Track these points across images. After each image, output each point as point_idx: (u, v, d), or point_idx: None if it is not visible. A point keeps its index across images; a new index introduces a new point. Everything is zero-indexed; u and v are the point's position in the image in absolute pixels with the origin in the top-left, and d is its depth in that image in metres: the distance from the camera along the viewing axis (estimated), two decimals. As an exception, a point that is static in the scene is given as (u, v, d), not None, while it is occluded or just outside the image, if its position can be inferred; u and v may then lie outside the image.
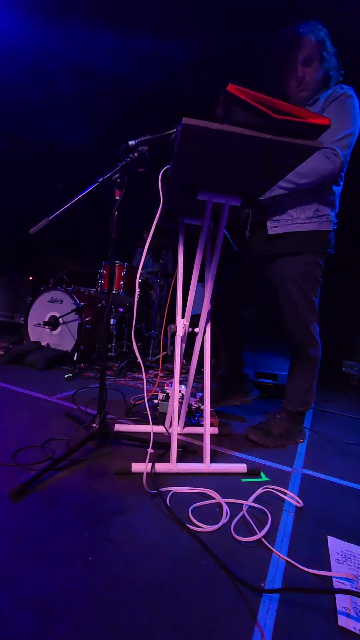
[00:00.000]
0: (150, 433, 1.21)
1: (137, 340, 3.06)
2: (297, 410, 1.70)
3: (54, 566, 0.78)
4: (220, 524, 1.00)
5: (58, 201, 3.13)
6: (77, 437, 1.42)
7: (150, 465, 1.20)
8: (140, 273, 3.02)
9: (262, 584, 0.81)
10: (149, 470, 1.19)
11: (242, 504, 1.11)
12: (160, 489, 1.13)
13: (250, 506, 1.11)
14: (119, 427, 1.60)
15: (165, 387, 1.98)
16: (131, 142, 1.39)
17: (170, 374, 2.89)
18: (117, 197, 1.39)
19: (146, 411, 1.85)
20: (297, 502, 1.17)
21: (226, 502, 1.10)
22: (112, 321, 2.94)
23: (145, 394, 1.19)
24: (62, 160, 4.49)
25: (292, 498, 1.19)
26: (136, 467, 1.22)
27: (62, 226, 1.72)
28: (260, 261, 1.71)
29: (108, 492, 1.10)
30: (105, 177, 1.38)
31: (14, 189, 4.93)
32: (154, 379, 2.71)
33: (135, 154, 1.37)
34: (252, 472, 1.33)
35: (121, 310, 3.16)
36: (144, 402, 2.00)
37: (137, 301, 2.92)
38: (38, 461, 1.23)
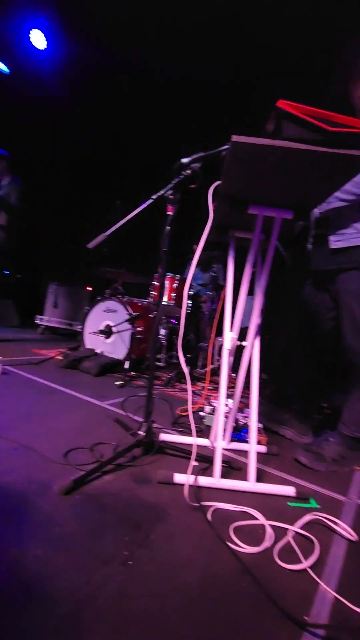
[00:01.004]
0: (199, 446, 1.21)
1: (186, 352, 3.10)
2: (353, 435, 1.58)
3: (93, 566, 0.81)
4: (263, 546, 0.96)
5: (116, 217, 3.30)
6: (124, 443, 1.47)
7: (193, 477, 1.20)
8: (192, 285, 3.07)
9: (306, 617, 0.76)
10: (191, 483, 1.19)
11: (288, 529, 1.05)
12: (202, 503, 1.12)
13: (296, 532, 1.05)
14: (164, 437, 1.62)
15: (213, 400, 1.97)
16: (184, 160, 1.44)
17: (218, 386, 2.87)
18: (170, 213, 1.45)
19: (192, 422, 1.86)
20: (350, 535, 1.08)
21: (270, 525, 1.05)
22: (162, 332, 3.02)
23: (189, 406, 1.20)
24: (120, 178, 4.77)
25: (344, 530, 1.10)
26: (179, 478, 1.22)
27: (118, 239, 1.81)
28: (320, 276, 1.66)
29: (150, 500, 1.11)
30: (159, 194, 1.45)
31: (76, 207, 5.35)
32: (202, 391, 2.71)
33: (188, 171, 1.42)
34: (301, 496, 1.26)
35: (172, 321, 3.23)
36: (190, 413, 2.02)
37: (188, 313, 2.97)
38: (87, 462, 1.30)
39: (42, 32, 4.32)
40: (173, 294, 2.90)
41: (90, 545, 0.88)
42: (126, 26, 3.84)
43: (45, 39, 4.36)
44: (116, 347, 2.98)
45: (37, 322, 4.69)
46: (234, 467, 1.43)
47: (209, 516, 1.06)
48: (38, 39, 4.36)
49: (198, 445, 1.58)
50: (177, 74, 3.99)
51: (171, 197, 1.44)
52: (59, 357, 3.08)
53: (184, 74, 3.95)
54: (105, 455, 1.38)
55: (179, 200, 1.46)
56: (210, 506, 1.11)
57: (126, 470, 1.29)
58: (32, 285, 5.64)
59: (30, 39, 4.34)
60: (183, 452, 1.45)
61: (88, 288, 4.50)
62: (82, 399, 2.08)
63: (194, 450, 1.18)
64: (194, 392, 2.64)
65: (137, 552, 0.87)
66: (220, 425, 1.32)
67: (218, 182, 1.21)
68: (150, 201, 1.43)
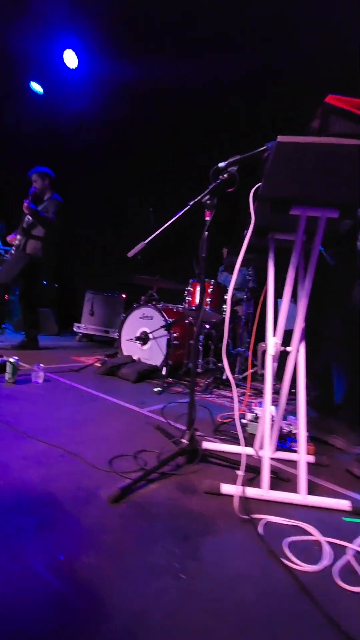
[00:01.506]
0: (238, 454, 1.18)
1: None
2: None
3: (145, 578, 0.80)
4: (321, 565, 0.90)
5: (150, 225, 3.36)
6: (167, 451, 1.46)
7: (242, 488, 1.16)
8: (223, 288, 3.03)
9: (375, 647, 0.70)
10: (241, 494, 1.15)
11: (347, 547, 0.98)
12: (252, 515, 1.08)
13: (357, 551, 0.98)
14: (206, 445, 1.59)
15: (254, 407, 1.92)
16: (221, 164, 1.43)
17: (258, 393, 2.80)
18: (207, 218, 1.44)
19: (234, 430, 1.82)
20: None
21: (328, 542, 0.99)
22: (199, 337, 3.00)
23: (236, 413, 1.17)
24: (153, 188, 4.85)
25: None
26: (226, 488, 1.19)
27: (152, 247, 1.82)
28: None
29: (198, 511, 1.09)
30: (195, 200, 1.44)
31: (109, 216, 5.49)
32: (241, 398, 2.65)
33: (225, 175, 1.40)
34: (357, 511, 1.18)
35: (207, 327, 3.20)
36: (233, 421, 1.97)
37: (223, 318, 2.93)
38: (131, 470, 1.30)
39: (74, 50, 4.51)
40: (208, 299, 2.88)
41: (141, 555, 0.87)
42: (152, 38, 3.92)
43: (76, 57, 4.56)
44: (153, 354, 3.00)
45: (75, 329, 4.84)
46: (282, 478, 1.37)
47: (260, 530, 1.02)
48: (70, 58, 4.56)
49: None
50: (205, 83, 4.01)
51: (208, 202, 1.43)
52: (98, 364, 3.15)
53: (214, 82, 3.97)
54: (149, 463, 1.38)
55: (216, 205, 1.45)
56: (261, 519, 1.07)
57: (171, 479, 1.28)
58: (69, 294, 5.86)
59: (63, 59, 4.54)
60: (227, 461, 1.42)
61: (123, 295, 4.59)
62: (122, 406, 2.10)
63: (243, 461, 1.15)
64: (231, 398, 2.59)
65: (188, 565, 0.85)
66: (267, 433, 1.27)
67: (259, 184, 1.18)
68: (187, 207, 1.43)
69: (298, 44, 3.28)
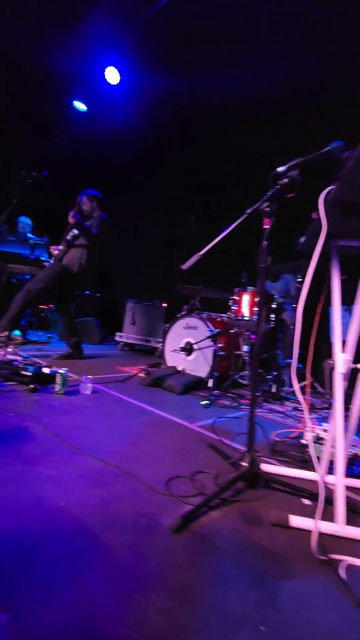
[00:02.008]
0: (304, 480, 1.07)
1: (271, 369, 2.92)
2: None
3: (223, 629, 0.72)
4: None
5: (192, 233, 3.29)
6: (225, 473, 1.38)
7: (315, 522, 1.05)
8: (271, 297, 2.90)
9: None
10: (314, 529, 1.04)
11: None
12: (330, 555, 0.97)
13: None
14: (265, 468, 1.49)
15: (313, 425, 1.78)
16: (280, 169, 1.34)
17: (314, 408, 2.63)
18: (266, 226, 1.36)
19: (292, 451, 1.70)
20: None
21: None
22: (245, 348, 2.89)
23: (310, 442, 1.07)
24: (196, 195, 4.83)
25: None
26: (296, 521, 1.09)
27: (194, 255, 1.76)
28: None
29: (268, 547, 1.00)
30: (253, 207, 1.37)
31: (150, 225, 5.55)
32: (291, 412, 2.51)
33: (285, 180, 1.32)
34: None
35: (252, 337, 3.08)
36: (290, 440, 1.85)
37: (271, 328, 2.80)
38: (189, 494, 1.23)
39: (116, 67, 4.64)
40: (255, 308, 2.77)
41: (214, 600, 0.80)
42: (192, 50, 3.93)
43: (118, 73, 4.68)
44: (198, 365, 2.94)
45: (117, 339, 4.90)
46: (357, 511, 1.23)
47: (342, 574, 0.91)
48: (111, 74, 4.69)
49: (306, 480, 1.42)
50: (248, 93, 3.95)
51: (267, 209, 1.35)
52: (142, 375, 3.14)
53: (257, 93, 3.89)
54: (207, 486, 1.30)
55: (275, 212, 1.37)
56: (341, 561, 0.96)
57: (232, 506, 1.20)
58: (111, 303, 5.97)
59: (105, 76, 4.69)
60: (292, 488, 1.30)
61: (163, 304, 4.58)
62: (171, 420, 2.05)
63: (322, 492, 1.04)
64: (283, 413, 2.45)
65: (268, 616, 0.77)
66: (340, 458, 1.15)
67: (330, 187, 1.09)
68: (245, 216, 1.36)
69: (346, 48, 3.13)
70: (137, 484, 1.27)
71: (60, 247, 3.57)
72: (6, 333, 3.23)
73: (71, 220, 3.35)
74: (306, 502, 1.26)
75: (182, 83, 4.34)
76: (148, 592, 0.79)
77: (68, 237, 3.55)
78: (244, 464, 1.30)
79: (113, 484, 1.25)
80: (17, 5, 3.62)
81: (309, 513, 1.12)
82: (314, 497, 1.24)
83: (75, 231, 3.54)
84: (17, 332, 4.57)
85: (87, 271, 3.58)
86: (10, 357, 2.79)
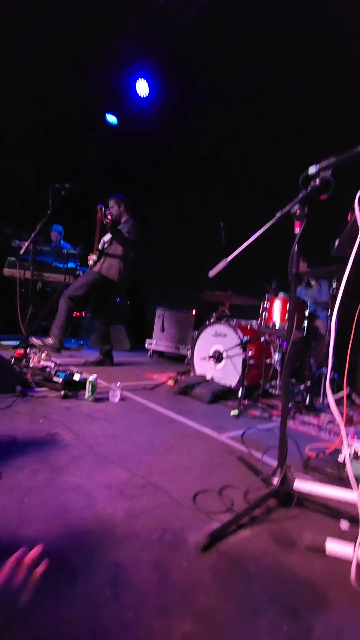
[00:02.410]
0: (342, 500, 0.99)
1: (304, 379, 2.79)
2: None
3: (255, 663, 0.67)
4: None
5: (222, 239, 3.25)
6: (255, 489, 1.31)
7: (355, 550, 0.96)
8: (305, 303, 2.78)
9: None
10: (354, 557, 0.95)
11: None
12: (372, 589, 0.88)
13: None
14: (299, 485, 1.39)
15: (351, 440, 1.66)
16: (311, 170, 1.28)
17: (351, 422, 2.48)
18: (297, 231, 1.30)
19: (327, 467, 1.60)
20: None
21: None
22: (276, 356, 2.79)
23: (348, 457, 0.99)
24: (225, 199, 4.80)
25: None
26: (333, 547, 1.00)
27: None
28: None
29: (302, 574, 0.93)
30: (284, 210, 1.32)
31: (179, 230, 5.57)
32: (327, 425, 2.37)
33: (317, 181, 1.26)
34: None
35: (284, 345, 2.97)
36: (325, 456, 1.74)
37: (304, 336, 2.69)
38: (217, 510, 1.18)
39: (145, 79, 4.75)
40: (287, 315, 2.66)
41: (243, 630, 0.74)
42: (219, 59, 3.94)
43: (147, 85, 4.78)
44: (227, 373, 2.87)
45: (147, 346, 4.93)
46: None
47: (387, 612, 0.82)
48: (142, 87, 4.80)
49: (344, 501, 1.32)
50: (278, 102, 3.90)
51: (298, 212, 1.29)
52: (170, 383, 3.12)
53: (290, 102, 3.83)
54: (235, 502, 1.25)
55: (307, 215, 1.31)
56: (385, 596, 0.87)
57: (263, 525, 1.13)
58: (140, 310, 6.04)
59: (136, 89, 4.81)
60: (328, 509, 1.22)
61: (193, 311, 4.56)
62: (199, 431, 2.01)
63: None
64: (318, 426, 2.32)
65: (302, 653, 0.70)
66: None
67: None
68: (275, 219, 1.31)
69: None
70: (163, 496, 1.24)
71: (94, 257, 3.59)
72: (53, 341, 3.29)
73: (107, 219, 3.23)
74: (344, 525, 1.17)
75: (207, 92, 4.36)
76: (171, 615, 0.75)
77: (100, 247, 3.61)
78: (275, 480, 1.23)
79: (139, 495, 1.22)
80: (56, 23, 3.79)
81: (347, 537, 1.03)
82: (352, 520, 1.15)
83: (107, 238, 3.59)
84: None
85: (127, 278, 3.60)
86: (44, 363, 2.88)
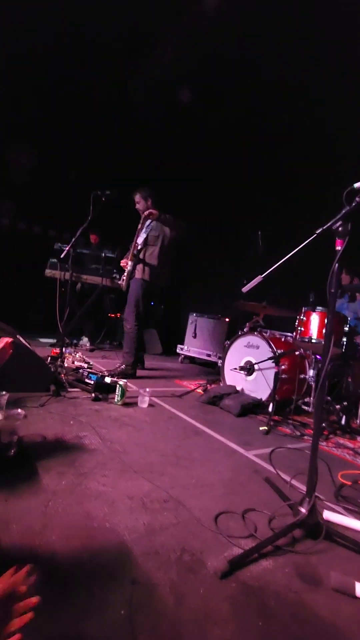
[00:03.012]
0: None
1: (340, 399, 2.65)
2: None
3: None
4: None
5: (259, 248, 3.17)
6: (281, 516, 1.26)
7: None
8: (344, 318, 2.64)
9: None
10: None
11: None
12: None
13: None
14: (328, 516, 1.32)
15: (388, 472, 1.55)
16: (357, 185, 1.22)
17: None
18: (339, 248, 1.23)
19: (362, 499, 1.49)
20: None
21: None
22: (311, 372, 2.68)
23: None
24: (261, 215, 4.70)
25: None
26: (363, 592, 0.93)
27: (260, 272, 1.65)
28: None
29: (326, 617, 0.87)
30: (324, 227, 1.26)
31: (215, 238, 5.54)
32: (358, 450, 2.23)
33: (363, 197, 1.19)
34: None
35: (319, 358, 2.84)
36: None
37: (343, 352, 2.55)
38: (239, 535, 1.14)
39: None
40: (324, 331, 2.55)
41: (258, 673, 0.71)
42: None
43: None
44: (258, 386, 2.80)
45: (178, 351, 4.94)
46: None
47: None
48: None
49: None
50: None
51: (340, 229, 1.23)
52: (199, 391, 3.10)
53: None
54: (259, 527, 1.20)
55: (349, 232, 1.24)
56: None
57: (286, 557, 1.08)
58: (174, 315, 6.07)
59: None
60: (358, 546, 1.14)
61: (226, 319, 4.50)
62: (226, 445, 1.97)
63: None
64: (353, 450, 2.19)
65: None
66: None
67: None
68: (314, 236, 1.25)
69: None
70: (185, 514, 1.22)
71: (130, 262, 3.44)
72: (125, 367, 3.24)
73: (152, 213, 3.13)
74: (378, 567, 1.08)
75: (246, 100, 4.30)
76: (185, 646, 0.73)
77: (134, 251, 3.46)
78: (302, 510, 1.17)
79: (160, 510, 1.21)
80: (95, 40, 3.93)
81: (380, 583, 0.96)
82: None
83: (140, 242, 3.43)
84: (84, 339, 4.89)
85: (167, 277, 3.46)
86: (78, 363, 2.97)
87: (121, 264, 3.60)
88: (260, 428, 2.32)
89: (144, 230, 3.44)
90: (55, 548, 0.95)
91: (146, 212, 3.19)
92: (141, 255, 3.39)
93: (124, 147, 5.50)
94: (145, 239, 3.42)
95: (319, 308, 2.59)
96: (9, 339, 1.14)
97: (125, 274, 3.45)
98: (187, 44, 3.86)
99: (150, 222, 3.42)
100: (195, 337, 4.80)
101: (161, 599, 0.84)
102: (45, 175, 5.66)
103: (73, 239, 2.98)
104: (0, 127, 5.03)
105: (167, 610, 0.81)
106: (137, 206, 3.41)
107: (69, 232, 2.96)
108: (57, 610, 0.76)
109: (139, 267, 3.37)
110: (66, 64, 4.23)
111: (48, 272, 4.49)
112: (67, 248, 3.06)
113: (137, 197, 3.42)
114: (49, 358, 2.94)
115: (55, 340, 4.11)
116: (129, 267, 3.44)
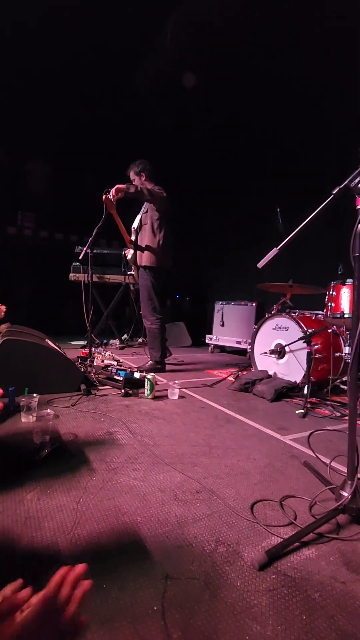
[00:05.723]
0: None
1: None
2: None
3: None
4: None
5: (279, 225, 3.02)
6: (322, 501, 1.18)
7: None
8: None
9: None
10: None
11: None
12: None
13: None
14: (375, 498, 1.22)
15: None
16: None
17: None
18: (359, 207, 1.12)
19: None
20: None
21: None
22: (347, 350, 2.52)
23: None
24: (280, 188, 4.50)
25: None
26: None
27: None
28: None
29: (379, 610, 0.79)
30: (341, 186, 1.14)
31: (234, 219, 5.37)
32: None
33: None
34: None
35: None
36: None
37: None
38: (278, 523, 1.08)
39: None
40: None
41: (304, 672, 0.65)
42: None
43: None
44: (291, 368, 2.68)
45: (207, 341, 4.87)
46: None
47: None
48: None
49: None
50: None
51: (359, 186, 1.11)
52: (231, 379, 3.03)
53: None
54: (299, 515, 1.13)
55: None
56: None
57: (331, 544, 1.00)
58: (200, 305, 6.00)
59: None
60: None
61: (253, 304, 4.37)
62: (260, 431, 1.89)
63: None
64: None
65: None
66: None
67: None
68: (331, 197, 1.14)
69: None
70: (219, 503, 1.17)
71: (131, 251, 3.20)
72: (151, 362, 3.14)
73: (113, 195, 2.72)
74: None
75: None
76: (222, 643, 0.69)
77: (132, 238, 3.19)
78: (344, 493, 1.09)
79: (192, 501, 1.18)
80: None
81: None
82: None
83: (136, 226, 3.14)
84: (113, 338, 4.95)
85: (170, 257, 3.14)
86: (107, 362, 3.00)
87: (124, 254, 3.46)
88: (297, 412, 2.22)
89: (139, 213, 3.16)
90: (86, 544, 0.94)
91: (105, 195, 2.71)
92: (139, 242, 3.12)
93: (135, 148, 5.51)
94: (140, 223, 3.14)
95: (349, 281, 2.42)
96: None
97: (133, 266, 3.26)
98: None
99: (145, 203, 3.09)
100: (222, 325, 4.71)
101: (195, 594, 0.80)
102: (61, 182, 5.76)
103: (90, 240, 2.99)
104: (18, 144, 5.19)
105: (201, 605, 0.77)
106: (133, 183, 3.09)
107: (90, 235, 2.90)
108: (86, 610, 0.74)
109: (139, 253, 3.11)
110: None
111: (72, 275, 4.58)
112: (83, 250, 3.07)
113: (131, 174, 3.12)
114: (78, 359, 2.99)
115: (85, 342, 4.20)
116: (129, 256, 3.23)
